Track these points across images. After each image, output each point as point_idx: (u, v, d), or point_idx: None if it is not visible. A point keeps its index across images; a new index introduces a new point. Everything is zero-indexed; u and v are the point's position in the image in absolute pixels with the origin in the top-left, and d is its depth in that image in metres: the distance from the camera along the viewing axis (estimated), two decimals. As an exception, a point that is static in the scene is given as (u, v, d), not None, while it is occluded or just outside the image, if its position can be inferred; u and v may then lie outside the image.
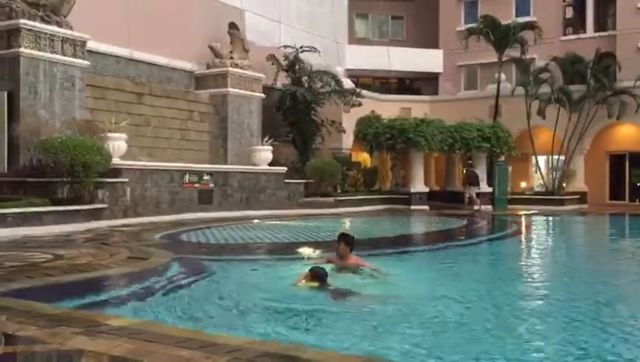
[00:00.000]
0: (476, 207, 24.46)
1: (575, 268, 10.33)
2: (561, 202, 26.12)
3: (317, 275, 6.87)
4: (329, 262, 7.90)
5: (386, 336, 5.30)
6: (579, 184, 28.07)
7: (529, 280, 9.02)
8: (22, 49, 15.08)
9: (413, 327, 5.59)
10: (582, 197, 27.70)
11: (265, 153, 21.10)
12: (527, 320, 6.06)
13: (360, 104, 25.48)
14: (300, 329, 5.51)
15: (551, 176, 27.56)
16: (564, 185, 27.51)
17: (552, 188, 27.11)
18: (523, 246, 14.25)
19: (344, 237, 7.81)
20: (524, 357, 4.80)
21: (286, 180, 21.25)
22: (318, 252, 9.60)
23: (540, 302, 7.23)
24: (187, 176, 18.02)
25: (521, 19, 29.20)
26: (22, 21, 15.17)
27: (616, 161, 28.90)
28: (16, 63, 15.15)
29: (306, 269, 7.19)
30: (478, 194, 25.44)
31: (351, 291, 6.85)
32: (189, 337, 4.42)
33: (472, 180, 25.86)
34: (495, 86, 27.71)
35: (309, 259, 8.95)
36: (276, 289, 7.30)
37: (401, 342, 5.02)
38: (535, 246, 14.60)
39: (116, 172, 15.66)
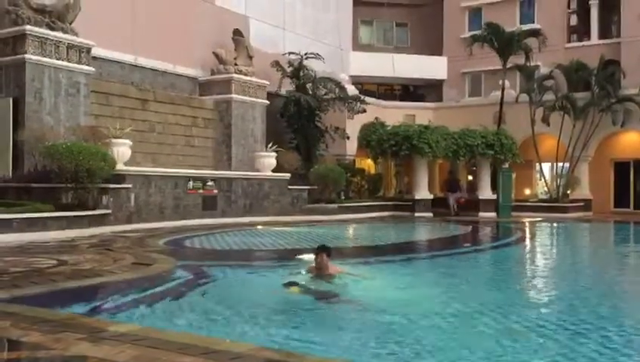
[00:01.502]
0: (453, 213, 25.46)
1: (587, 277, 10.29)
2: (566, 209, 26.04)
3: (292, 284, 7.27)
4: (311, 271, 8.20)
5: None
6: (583, 191, 28.00)
7: (521, 289, 8.93)
8: (27, 55, 15.16)
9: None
10: (586, 205, 27.62)
11: (269, 159, 21.12)
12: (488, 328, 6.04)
13: (364, 111, 25.50)
14: (303, 334, 5.51)
15: (555, 183, 27.50)
16: (568, 192, 27.45)
17: (556, 195, 27.05)
18: (526, 254, 14.20)
19: (325, 250, 8.08)
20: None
21: (290, 186, 21.27)
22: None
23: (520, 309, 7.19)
24: (191, 182, 18.05)
25: (526, 27, 29.20)
26: (28, 27, 15.26)
27: (621, 168, 28.83)
28: (21, 69, 15.23)
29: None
30: (458, 200, 26.24)
31: (332, 292, 7.28)
32: (192, 343, 4.43)
33: (449, 187, 26.60)
34: (499, 93, 27.69)
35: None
36: (277, 294, 7.33)
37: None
38: (536, 252, 14.55)
39: (120, 178, 15.70)
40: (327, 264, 8.05)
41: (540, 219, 23.92)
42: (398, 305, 6.83)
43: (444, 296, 7.68)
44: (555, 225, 22.04)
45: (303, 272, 8.40)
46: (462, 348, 5.07)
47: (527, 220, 23.13)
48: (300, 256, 10.32)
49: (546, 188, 28.56)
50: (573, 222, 23.31)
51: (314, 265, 8.18)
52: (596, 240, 18.95)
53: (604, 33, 30.10)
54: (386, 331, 5.68)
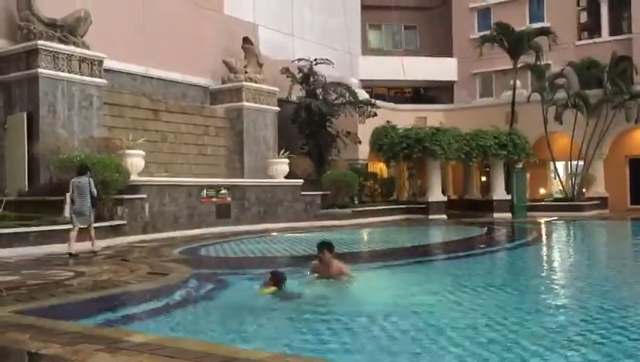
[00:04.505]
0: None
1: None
2: (581, 208, 25.82)
3: (275, 277, 7.36)
4: (315, 271, 8.38)
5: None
6: (599, 189, 27.77)
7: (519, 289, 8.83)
8: (40, 69, 15.34)
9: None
10: (602, 203, 27.38)
11: (281, 166, 21.15)
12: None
13: (375, 114, 25.47)
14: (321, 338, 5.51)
15: (570, 181, 27.28)
16: (583, 190, 27.21)
17: (571, 194, 26.83)
18: (542, 255, 14.09)
19: (327, 246, 8.23)
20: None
21: (303, 192, 21.27)
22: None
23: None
24: (204, 191, 18.11)
25: (535, 26, 29.08)
26: (40, 42, 15.44)
27: (637, 165, 28.53)
28: (35, 84, 15.41)
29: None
30: None
31: (301, 295, 7.39)
32: (209, 352, 4.43)
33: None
34: (511, 93, 27.58)
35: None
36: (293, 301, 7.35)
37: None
38: (554, 254, 14.43)
39: (134, 188, 15.78)
40: (331, 260, 8.16)
41: (555, 218, 23.69)
42: (377, 307, 6.88)
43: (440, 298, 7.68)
44: (574, 224, 21.78)
45: (308, 273, 8.54)
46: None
47: (543, 220, 22.92)
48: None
49: (560, 187, 28.33)
50: (592, 221, 23.03)
51: (317, 263, 8.32)
52: (624, 238, 18.55)
53: (614, 29, 29.89)
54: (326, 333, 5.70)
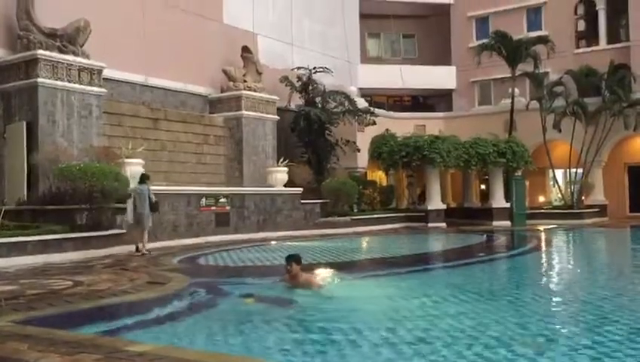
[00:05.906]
0: None
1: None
2: (581, 216, 25.82)
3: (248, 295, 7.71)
4: (285, 281, 8.59)
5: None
6: (598, 197, 27.79)
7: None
8: (40, 79, 15.35)
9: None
10: (601, 210, 27.39)
11: (280, 174, 21.16)
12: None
13: (374, 123, 25.51)
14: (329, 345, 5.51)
15: (569, 189, 27.31)
16: (582, 198, 27.23)
17: (570, 201, 26.84)
18: (542, 263, 14.09)
19: (294, 259, 8.44)
20: None
21: (302, 201, 21.28)
22: (333, 272, 9.65)
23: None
24: (204, 200, 18.11)
25: (533, 34, 29.18)
26: (39, 52, 15.47)
27: (636, 172, 28.58)
28: (34, 93, 15.41)
29: None
30: None
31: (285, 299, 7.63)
32: (208, 361, 4.43)
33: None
34: (509, 101, 27.65)
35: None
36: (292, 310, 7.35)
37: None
38: (554, 262, 14.43)
39: (134, 197, 15.76)
40: (299, 272, 8.33)
41: (555, 226, 23.68)
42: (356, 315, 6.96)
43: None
44: (573, 232, 21.75)
45: (278, 282, 8.73)
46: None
47: (542, 228, 22.90)
48: (317, 272, 10.28)
49: (560, 195, 28.35)
50: (591, 229, 23.01)
51: (286, 275, 8.45)
52: (624, 247, 18.54)
53: (612, 38, 29.99)
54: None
